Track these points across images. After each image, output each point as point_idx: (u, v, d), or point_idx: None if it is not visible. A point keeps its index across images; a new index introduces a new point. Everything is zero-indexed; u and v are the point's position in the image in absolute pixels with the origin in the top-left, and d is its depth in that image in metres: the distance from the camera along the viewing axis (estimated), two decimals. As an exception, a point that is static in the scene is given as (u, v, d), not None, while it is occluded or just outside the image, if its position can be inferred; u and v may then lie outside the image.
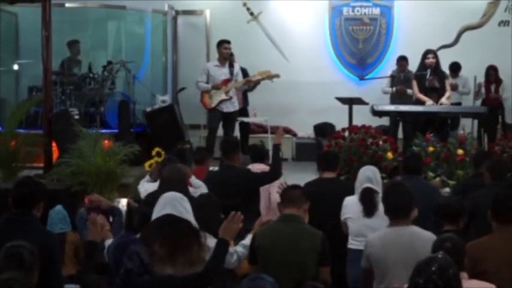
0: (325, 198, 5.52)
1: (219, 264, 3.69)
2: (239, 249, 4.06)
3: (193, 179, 5.71)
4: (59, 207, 5.53)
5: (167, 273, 3.44)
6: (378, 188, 5.36)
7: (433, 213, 5.28)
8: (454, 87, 10.23)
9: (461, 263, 3.71)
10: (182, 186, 5.03)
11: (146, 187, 5.88)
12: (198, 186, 5.68)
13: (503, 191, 5.04)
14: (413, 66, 9.54)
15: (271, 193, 6.33)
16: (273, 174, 5.98)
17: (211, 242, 3.86)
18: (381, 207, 5.10)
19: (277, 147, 6.01)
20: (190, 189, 5.53)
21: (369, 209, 5.25)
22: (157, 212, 3.79)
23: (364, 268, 4.55)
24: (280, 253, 4.36)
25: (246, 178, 5.94)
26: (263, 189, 6.26)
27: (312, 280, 4.08)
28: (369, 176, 5.40)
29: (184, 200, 3.85)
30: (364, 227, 5.18)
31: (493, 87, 10.83)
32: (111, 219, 4.91)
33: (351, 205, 5.34)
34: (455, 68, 10.72)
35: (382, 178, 7.12)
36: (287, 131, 11.38)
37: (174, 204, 3.77)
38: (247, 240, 4.14)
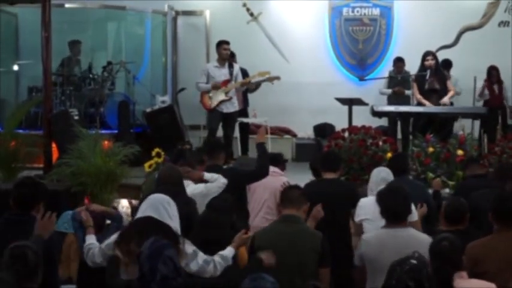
0: (326, 199, 5.50)
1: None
2: (216, 258, 4.09)
3: (206, 174, 5.66)
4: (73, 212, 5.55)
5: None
6: None
7: (429, 213, 5.30)
8: None
9: (459, 262, 3.71)
10: (178, 187, 5.02)
11: None
12: (215, 179, 5.63)
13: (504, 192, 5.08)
14: (413, 66, 9.53)
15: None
16: (260, 173, 5.98)
17: (188, 248, 3.87)
18: None
19: (261, 146, 6.00)
20: (203, 186, 5.50)
21: None
22: (140, 213, 3.82)
23: (357, 266, 4.56)
24: (280, 254, 4.35)
25: (232, 177, 5.93)
26: (273, 190, 6.24)
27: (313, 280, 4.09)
28: (384, 177, 5.38)
29: (170, 204, 3.86)
30: None
31: (496, 88, 10.81)
32: (108, 221, 4.90)
33: (368, 206, 5.23)
34: (446, 64, 10.66)
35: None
36: (287, 131, 11.40)
37: (157, 207, 3.79)
38: (227, 251, 4.15)
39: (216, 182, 5.55)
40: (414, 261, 2.99)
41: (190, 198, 5.16)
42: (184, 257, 3.79)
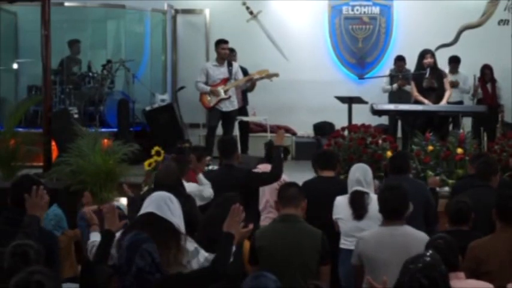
0: (324, 197, 5.51)
1: (226, 257, 3.71)
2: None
3: (200, 176, 5.70)
4: (53, 211, 5.48)
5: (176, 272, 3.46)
6: (369, 188, 5.35)
7: (429, 212, 5.29)
8: (455, 84, 10.22)
9: (455, 262, 3.71)
10: (176, 186, 5.02)
11: None
12: (204, 184, 5.68)
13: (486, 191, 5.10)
14: (412, 65, 9.52)
15: None
16: (274, 175, 5.98)
17: (190, 246, 3.86)
18: (370, 209, 5.12)
19: (278, 149, 6.01)
20: (196, 186, 5.52)
21: (358, 212, 5.23)
22: (142, 210, 3.83)
23: (354, 265, 4.56)
24: (281, 253, 4.36)
25: (246, 178, 5.94)
26: (273, 189, 6.24)
27: (314, 279, 4.09)
28: (358, 178, 5.34)
29: (172, 201, 3.87)
30: (355, 228, 5.14)
31: (489, 86, 10.82)
32: None
33: (341, 206, 5.31)
34: (455, 59, 10.63)
35: (381, 177, 7.15)
36: (286, 130, 11.39)
37: (159, 204, 3.81)
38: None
39: (205, 188, 5.58)
40: (428, 259, 2.97)
41: (189, 195, 5.17)
42: (185, 254, 3.79)
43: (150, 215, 3.78)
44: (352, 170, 5.51)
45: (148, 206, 3.83)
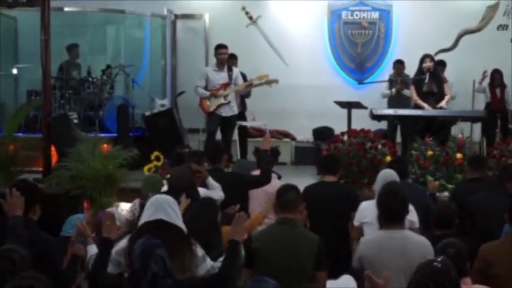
0: (326, 202, 5.50)
1: (234, 264, 3.71)
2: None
3: (210, 180, 5.68)
4: (79, 215, 5.53)
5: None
6: None
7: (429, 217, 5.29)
8: None
9: (464, 268, 3.72)
10: (193, 191, 5.00)
11: None
12: (214, 188, 5.66)
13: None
14: (411, 70, 9.54)
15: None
16: (263, 179, 6.01)
17: (199, 251, 3.85)
18: None
19: (265, 153, 6.02)
20: (205, 191, 5.50)
21: None
22: (148, 216, 3.78)
23: (355, 269, 4.57)
24: (277, 257, 4.34)
25: (237, 181, 5.95)
26: (263, 193, 6.24)
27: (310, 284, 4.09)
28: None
29: (175, 204, 3.84)
30: None
31: (498, 91, 10.83)
32: None
33: (368, 209, 5.25)
34: (441, 63, 10.57)
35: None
36: (286, 135, 11.40)
37: (166, 209, 3.76)
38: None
39: (215, 192, 5.56)
40: (438, 265, 2.97)
41: (209, 201, 5.10)
42: (196, 258, 3.78)
43: (159, 221, 3.73)
44: (379, 185, 5.40)
45: (155, 212, 3.76)
